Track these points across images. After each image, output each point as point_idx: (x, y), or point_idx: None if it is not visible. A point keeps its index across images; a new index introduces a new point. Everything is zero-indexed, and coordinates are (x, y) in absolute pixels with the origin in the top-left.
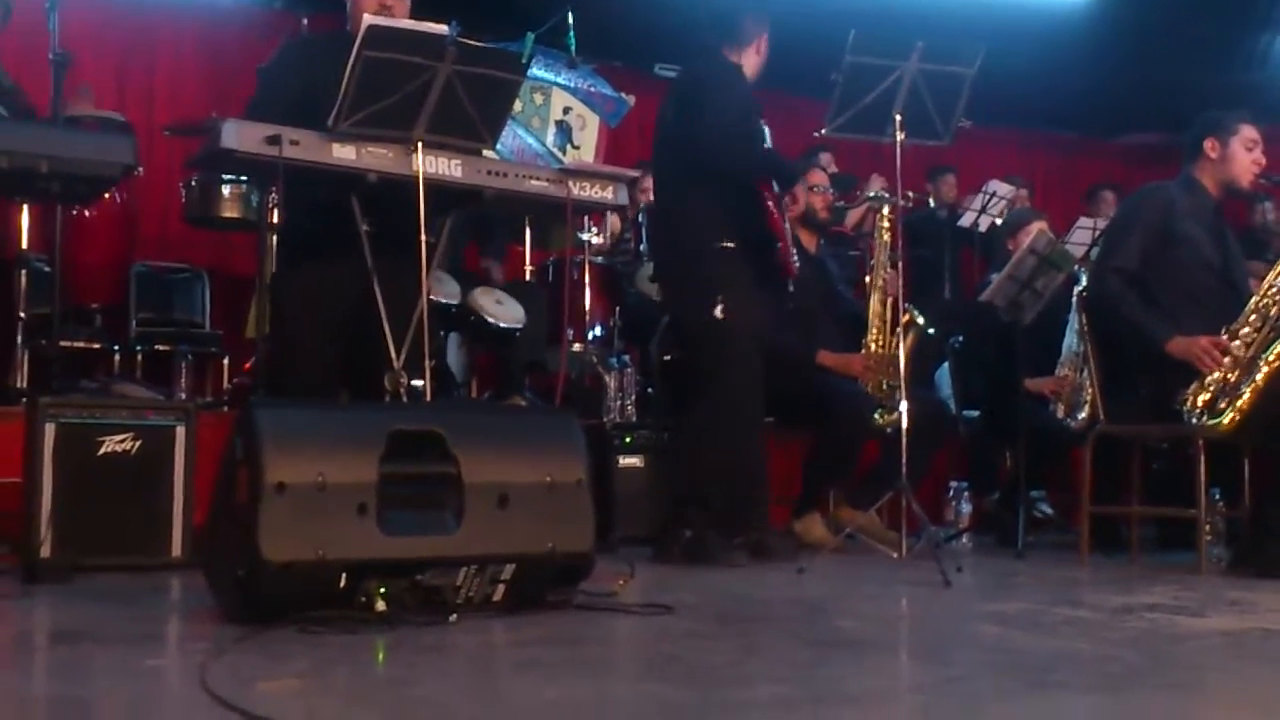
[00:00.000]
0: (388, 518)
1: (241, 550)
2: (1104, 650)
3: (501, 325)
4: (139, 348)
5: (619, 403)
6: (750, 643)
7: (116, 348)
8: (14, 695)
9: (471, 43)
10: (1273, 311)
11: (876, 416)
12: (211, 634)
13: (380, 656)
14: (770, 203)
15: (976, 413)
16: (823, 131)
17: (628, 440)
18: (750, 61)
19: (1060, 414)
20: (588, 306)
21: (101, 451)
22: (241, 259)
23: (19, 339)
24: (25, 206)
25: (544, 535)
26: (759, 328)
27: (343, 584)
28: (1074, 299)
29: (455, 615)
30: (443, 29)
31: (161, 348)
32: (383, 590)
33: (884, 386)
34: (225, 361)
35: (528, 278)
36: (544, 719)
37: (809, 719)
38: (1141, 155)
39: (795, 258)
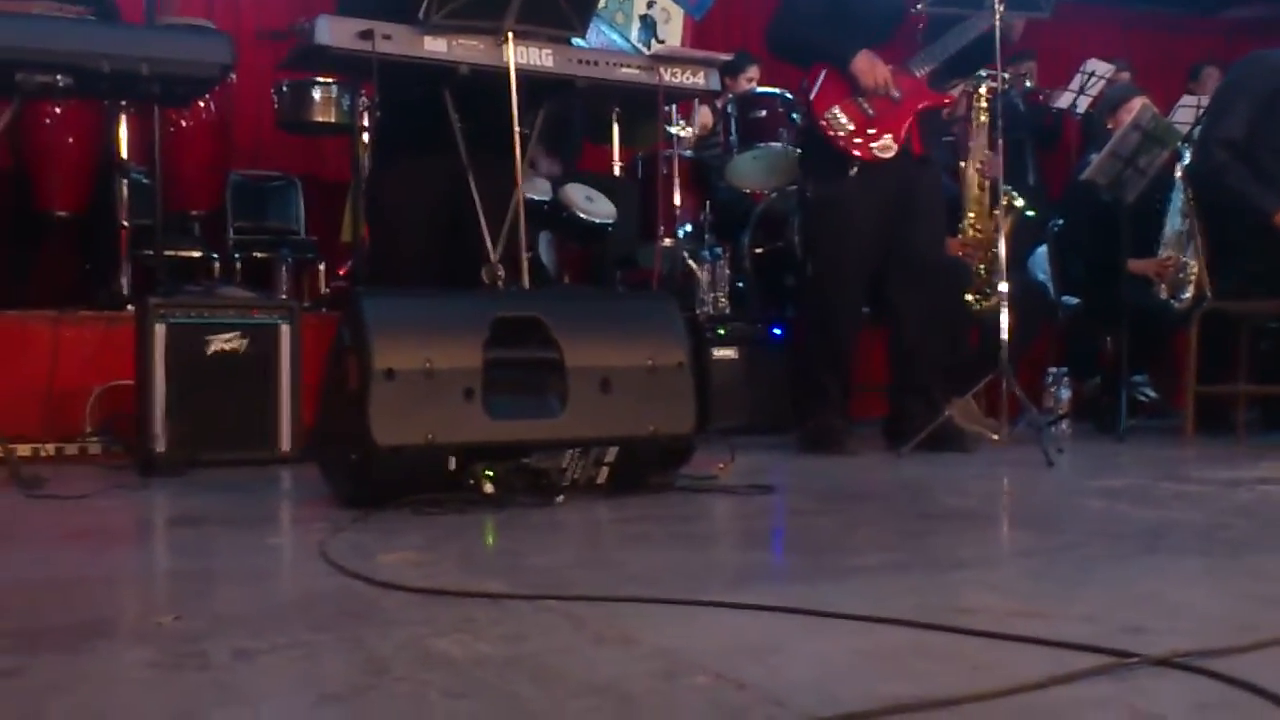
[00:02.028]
0: (493, 402)
1: (353, 436)
2: (1216, 519)
3: (596, 221)
4: (237, 255)
5: (712, 295)
6: (856, 517)
7: (215, 256)
8: (144, 568)
9: None
10: None
11: (974, 301)
12: (327, 516)
13: (490, 535)
14: (820, 85)
15: (1075, 299)
16: (919, 6)
17: (721, 332)
18: None
19: (1164, 295)
20: (678, 201)
21: (210, 350)
22: (333, 165)
23: (122, 248)
24: (124, 118)
25: (646, 418)
26: (846, 208)
27: (452, 467)
28: (1178, 176)
29: (561, 496)
30: None
31: (259, 255)
32: (490, 473)
33: (981, 271)
34: (321, 267)
35: (616, 173)
36: (658, 583)
37: (922, 581)
38: (1246, 30)
39: (870, 141)
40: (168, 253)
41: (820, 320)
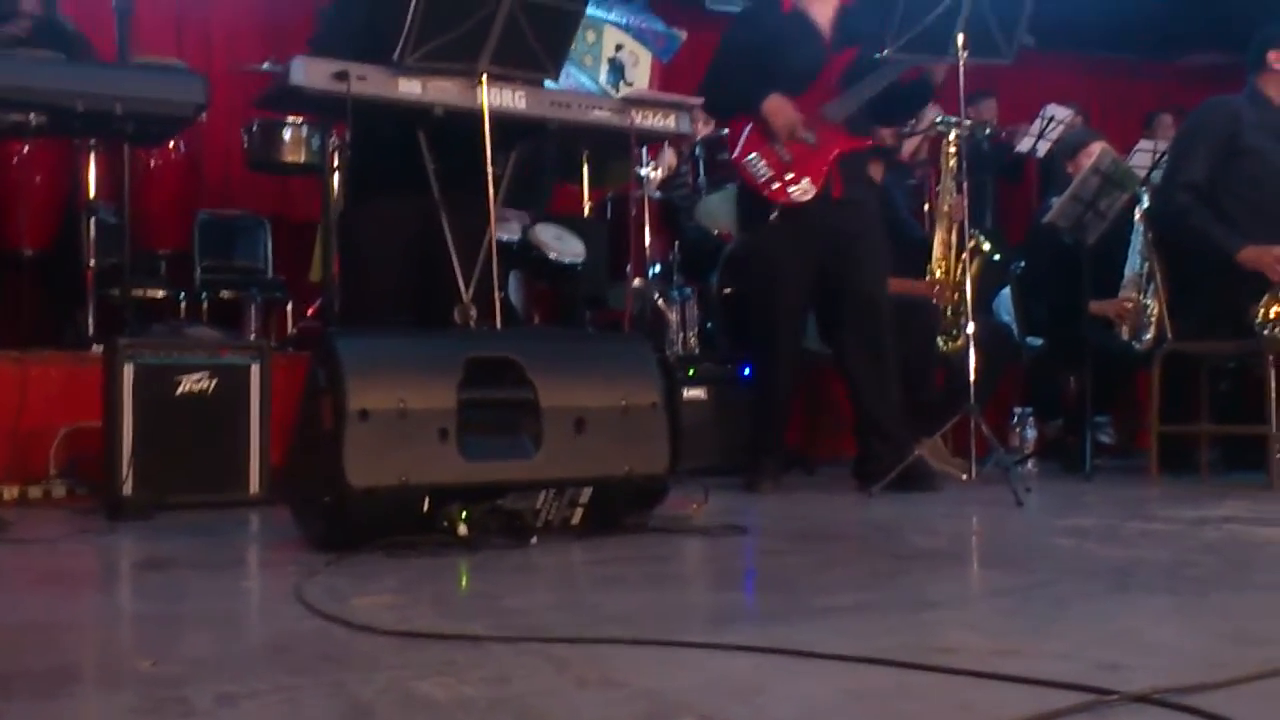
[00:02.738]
0: (468, 443)
1: (327, 477)
2: (1183, 557)
3: (565, 261)
4: (204, 295)
5: (681, 336)
6: (828, 557)
7: (182, 295)
8: (117, 613)
9: None
10: None
11: (941, 343)
12: (300, 559)
13: (465, 577)
14: (744, 139)
15: (1039, 340)
16: (884, 54)
17: (691, 372)
18: None
19: (1125, 336)
20: (647, 242)
21: (179, 391)
22: (301, 205)
23: (88, 288)
24: (93, 155)
25: (620, 458)
26: (769, 254)
27: (426, 508)
28: (1137, 218)
29: (535, 538)
30: None
31: (226, 294)
32: (465, 514)
33: (949, 313)
34: (289, 307)
35: (586, 214)
36: (636, 624)
37: (897, 623)
38: (1201, 76)
39: (787, 185)
40: (134, 292)
41: (759, 364)
